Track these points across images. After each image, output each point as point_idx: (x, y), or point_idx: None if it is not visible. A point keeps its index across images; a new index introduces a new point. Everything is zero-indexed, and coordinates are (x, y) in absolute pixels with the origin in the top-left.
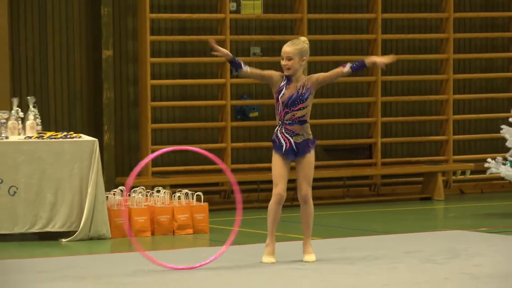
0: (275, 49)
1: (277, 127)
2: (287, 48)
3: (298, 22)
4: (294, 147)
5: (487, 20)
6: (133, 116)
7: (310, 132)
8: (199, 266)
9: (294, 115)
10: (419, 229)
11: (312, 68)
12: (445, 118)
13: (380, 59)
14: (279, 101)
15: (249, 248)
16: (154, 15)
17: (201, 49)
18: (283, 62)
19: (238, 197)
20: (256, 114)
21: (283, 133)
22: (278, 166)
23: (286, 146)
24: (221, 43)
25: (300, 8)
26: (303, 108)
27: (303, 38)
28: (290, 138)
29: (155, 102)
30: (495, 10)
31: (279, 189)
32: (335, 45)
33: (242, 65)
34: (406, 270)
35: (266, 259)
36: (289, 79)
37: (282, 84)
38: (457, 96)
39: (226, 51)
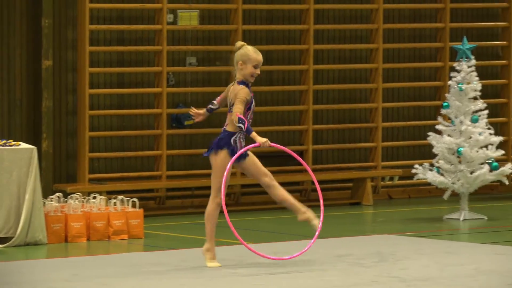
0: (210, 59)
1: (235, 135)
2: (261, 58)
3: (233, 33)
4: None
5: (415, 31)
6: (72, 124)
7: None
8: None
9: (251, 117)
10: (348, 234)
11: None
12: (374, 125)
13: (261, 140)
14: (251, 109)
15: (186, 252)
16: (93, 27)
17: (138, 59)
18: (258, 71)
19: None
20: (191, 122)
21: (241, 140)
22: (225, 174)
23: (239, 148)
24: (158, 54)
25: (235, 20)
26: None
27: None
28: (243, 143)
29: (93, 110)
30: (422, 21)
31: (218, 194)
32: (269, 55)
33: (213, 106)
34: (336, 273)
35: (211, 263)
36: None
37: (251, 96)
38: (386, 104)
39: (201, 112)
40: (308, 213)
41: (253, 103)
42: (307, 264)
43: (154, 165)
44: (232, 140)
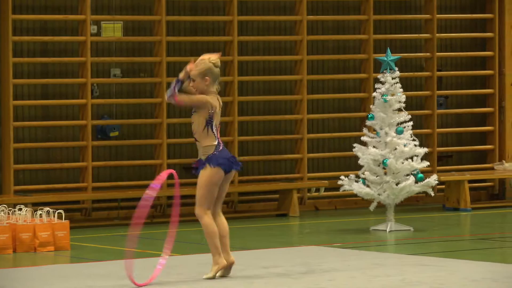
0: (135, 70)
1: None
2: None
3: (157, 44)
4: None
5: (339, 43)
6: None
7: (205, 153)
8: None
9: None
10: (275, 245)
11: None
12: (299, 137)
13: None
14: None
15: (113, 264)
16: (16, 38)
17: (62, 70)
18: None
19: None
20: (116, 133)
21: None
22: (218, 185)
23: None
24: (82, 65)
25: (159, 31)
26: (192, 123)
27: (206, 56)
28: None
29: (17, 122)
30: (346, 33)
31: (211, 206)
32: None
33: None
34: (263, 285)
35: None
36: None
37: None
38: (311, 116)
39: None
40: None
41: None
42: (233, 276)
43: (80, 176)
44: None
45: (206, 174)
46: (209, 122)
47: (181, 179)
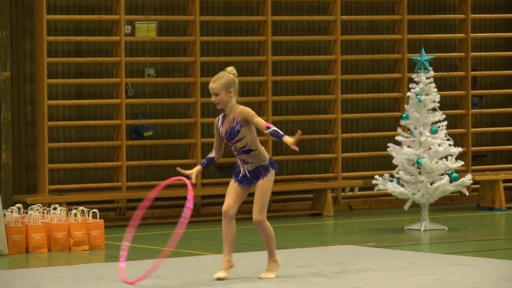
0: (169, 70)
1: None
2: (212, 85)
3: (191, 44)
4: (248, 175)
5: (373, 43)
6: (31, 136)
7: (265, 158)
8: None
9: (236, 147)
10: (309, 244)
11: (204, 88)
12: (334, 136)
13: (291, 140)
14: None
15: (147, 263)
16: (51, 38)
17: (96, 70)
18: (212, 99)
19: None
20: (150, 133)
21: (240, 161)
22: (230, 188)
23: (241, 173)
24: (117, 65)
25: (193, 31)
26: (240, 139)
27: (229, 69)
28: (244, 165)
29: (52, 121)
30: (380, 33)
31: (224, 205)
32: (227, 67)
33: (213, 158)
34: (297, 284)
35: (217, 274)
36: (224, 116)
37: (219, 123)
38: (345, 115)
39: (195, 171)
40: (269, 274)
41: (221, 129)
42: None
43: (114, 176)
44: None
45: (270, 180)
46: (257, 131)
47: (215, 178)
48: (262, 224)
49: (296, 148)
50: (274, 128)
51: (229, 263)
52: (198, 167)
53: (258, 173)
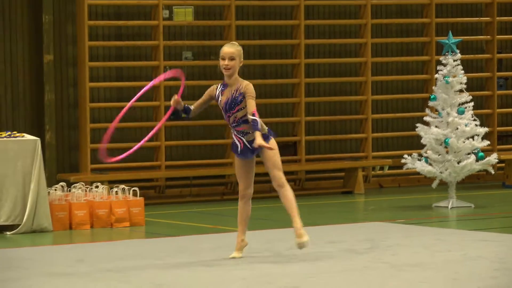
0: (205, 53)
1: (231, 130)
2: (230, 49)
3: (227, 28)
4: (249, 146)
5: (402, 26)
6: (73, 117)
7: (264, 127)
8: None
9: (236, 117)
10: (341, 221)
11: (240, 71)
12: (364, 117)
13: (259, 140)
14: (221, 108)
15: (185, 239)
16: (92, 22)
17: (136, 53)
18: (225, 62)
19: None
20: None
21: (236, 135)
22: (237, 168)
23: (240, 146)
24: (155, 48)
25: (229, 15)
26: (241, 109)
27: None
28: (242, 138)
29: (93, 103)
30: (409, 16)
31: (240, 187)
32: (262, 50)
33: (191, 108)
34: (329, 259)
35: (232, 254)
36: (224, 85)
37: (218, 92)
38: (375, 97)
39: (181, 105)
40: (302, 239)
41: (220, 100)
42: (299, 251)
43: (154, 155)
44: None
45: (274, 146)
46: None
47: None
48: (285, 186)
49: (256, 146)
50: (258, 119)
51: (243, 242)
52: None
53: (265, 136)
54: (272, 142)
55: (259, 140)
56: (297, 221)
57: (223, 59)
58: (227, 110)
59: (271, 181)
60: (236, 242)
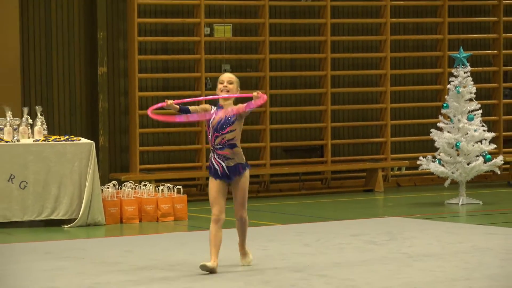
0: (242, 66)
1: (210, 154)
2: (228, 77)
3: (261, 44)
4: (227, 171)
5: (418, 42)
6: (124, 122)
7: (243, 158)
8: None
9: (223, 139)
10: (362, 216)
11: (273, 82)
12: (384, 123)
13: (254, 94)
14: (210, 127)
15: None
16: (141, 38)
17: (180, 66)
18: (224, 85)
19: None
20: None
21: (215, 159)
22: (213, 191)
23: (219, 170)
24: (197, 61)
25: (263, 32)
26: (231, 131)
27: None
28: (222, 162)
29: (142, 110)
30: (424, 33)
31: (215, 211)
32: (293, 63)
33: (189, 109)
34: (352, 250)
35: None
36: (219, 107)
37: (213, 111)
38: (394, 105)
39: (175, 107)
40: (249, 258)
41: (212, 119)
42: (326, 243)
43: (196, 157)
44: (209, 160)
45: (248, 178)
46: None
47: (281, 159)
48: (245, 219)
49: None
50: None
51: (215, 264)
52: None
53: (237, 170)
54: (248, 176)
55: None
56: (244, 245)
57: (222, 83)
58: (217, 130)
59: (234, 210)
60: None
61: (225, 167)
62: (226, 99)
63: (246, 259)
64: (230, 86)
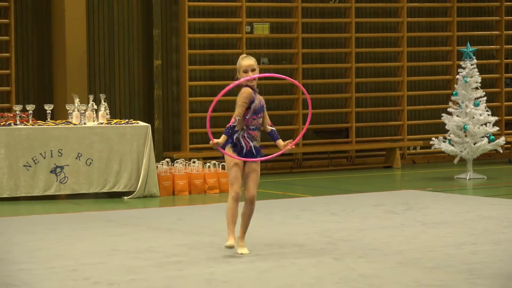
0: (278, 59)
1: (238, 133)
2: (251, 61)
3: (295, 40)
4: (253, 150)
5: (431, 38)
6: (176, 108)
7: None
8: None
9: (257, 122)
10: (383, 189)
11: (305, 73)
12: (401, 108)
13: (283, 144)
14: (251, 108)
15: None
16: (191, 35)
17: (225, 59)
18: (250, 73)
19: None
20: None
21: (245, 138)
22: (233, 170)
23: (246, 148)
24: (239, 55)
25: (297, 30)
26: (261, 117)
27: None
28: (250, 142)
29: (192, 97)
30: (436, 30)
31: (235, 188)
32: (322, 56)
33: (234, 123)
34: (374, 218)
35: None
36: (255, 91)
37: (255, 95)
38: (410, 93)
39: (221, 141)
40: (245, 250)
41: (255, 103)
42: (351, 212)
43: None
44: (234, 139)
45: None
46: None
47: (312, 140)
48: (254, 200)
49: (284, 150)
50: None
51: (234, 240)
52: (223, 137)
53: (258, 152)
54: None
55: (283, 144)
56: (244, 237)
57: (246, 71)
58: (256, 112)
59: (245, 192)
60: (229, 236)
61: (252, 146)
62: (252, 81)
63: (243, 249)
64: (255, 73)
